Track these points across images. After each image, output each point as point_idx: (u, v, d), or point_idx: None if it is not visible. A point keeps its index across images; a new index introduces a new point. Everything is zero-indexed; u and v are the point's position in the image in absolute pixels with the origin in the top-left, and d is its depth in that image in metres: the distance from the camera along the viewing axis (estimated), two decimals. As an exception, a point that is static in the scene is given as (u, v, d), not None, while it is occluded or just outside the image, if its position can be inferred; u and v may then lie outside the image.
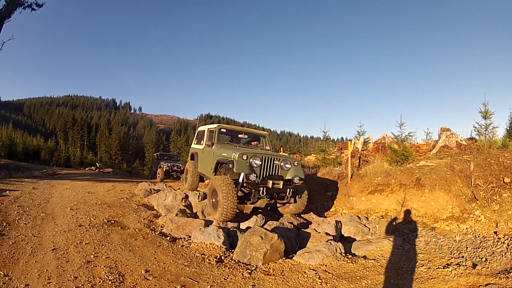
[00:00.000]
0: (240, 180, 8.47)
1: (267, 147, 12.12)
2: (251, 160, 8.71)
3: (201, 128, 13.24)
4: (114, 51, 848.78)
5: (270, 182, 8.76)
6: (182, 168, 25.32)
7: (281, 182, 8.91)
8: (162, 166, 24.41)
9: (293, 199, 9.33)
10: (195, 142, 13.38)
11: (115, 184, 16.95)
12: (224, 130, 11.70)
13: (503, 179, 8.60)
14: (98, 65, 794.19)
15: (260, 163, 8.83)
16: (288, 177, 9.07)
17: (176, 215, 8.86)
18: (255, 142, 12.08)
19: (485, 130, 12.92)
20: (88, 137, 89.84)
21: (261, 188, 8.62)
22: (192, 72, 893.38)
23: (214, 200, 8.78)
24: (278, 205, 9.91)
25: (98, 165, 40.57)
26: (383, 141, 16.54)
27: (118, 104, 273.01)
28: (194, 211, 10.21)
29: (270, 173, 8.98)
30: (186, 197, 11.16)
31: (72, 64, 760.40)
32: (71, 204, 10.04)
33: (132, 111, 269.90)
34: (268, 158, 8.99)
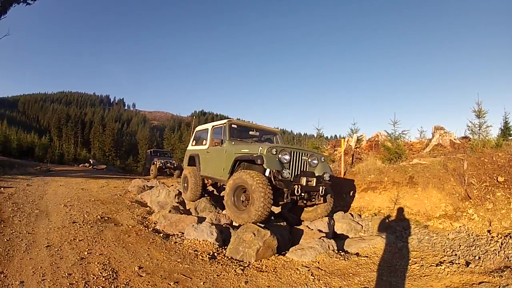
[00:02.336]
0: (270, 176, 7.53)
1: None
2: (280, 155, 7.83)
3: (200, 128, 12.17)
4: (108, 47, 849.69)
5: (304, 179, 7.96)
6: (175, 165, 25.64)
7: (314, 179, 8.18)
8: (155, 162, 24.44)
9: (322, 199, 8.47)
10: (193, 144, 12.06)
11: (108, 180, 16.94)
12: (235, 126, 10.07)
13: (497, 178, 8.62)
14: (92, 61, 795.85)
15: (289, 158, 7.98)
16: (316, 173, 8.43)
17: (169, 211, 8.90)
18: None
19: (479, 129, 12.97)
20: (82, 133, 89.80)
21: (296, 186, 7.73)
22: (186, 69, 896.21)
23: (243, 199, 7.78)
24: (303, 207, 8.98)
25: (91, 162, 40.60)
26: (376, 139, 16.54)
27: (112, 100, 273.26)
28: (187, 207, 10.27)
29: (300, 170, 8.27)
30: (179, 193, 11.21)
31: (66, 61, 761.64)
32: (65, 201, 10.04)
33: (126, 108, 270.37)
34: (297, 153, 8.25)
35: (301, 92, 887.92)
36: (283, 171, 7.53)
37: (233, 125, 9.98)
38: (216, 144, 9.81)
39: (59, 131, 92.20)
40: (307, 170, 8.35)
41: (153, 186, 13.08)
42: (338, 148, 16.65)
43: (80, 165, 39.37)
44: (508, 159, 9.21)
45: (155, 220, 8.78)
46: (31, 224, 7.42)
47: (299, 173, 8.15)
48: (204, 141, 11.01)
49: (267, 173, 7.54)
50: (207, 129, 10.97)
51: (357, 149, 16.22)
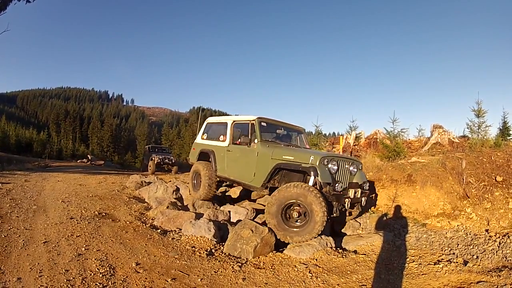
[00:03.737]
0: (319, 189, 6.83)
1: (307, 146, 10.27)
2: (329, 165, 7.17)
3: (213, 120, 11.22)
4: (107, 43, 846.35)
5: (352, 191, 7.31)
6: (173, 161, 25.76)
7: (360, 191, 7.58)
8: (153, 158, 24.44)
9: (360, 209, 8.05)
10: (204, 137, 11.00)
11: (106, 176, 16.90)
12: (265, 124, 8.97)
13: (495, 177, 8.62)
14: (91, 57, 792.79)
15: (337, 168, 7.33)
16: (355, 181, 7.86)
17: (167, 207, 8.87)
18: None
19: (478, 129, 12.98)
20: (80, 129, 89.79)
21: (346, 200, 7.10)
22: (185, 65, 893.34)
23: (296, 216, 6.84)
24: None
25: (90, 158, 40.60)
26: (375, 136, 16.58)
27: (110, 96, 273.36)
28: (185, 203, 10.22)
29: (345, 180, 7.65)
30: (177, 189, 11.13)
31: (65, 56, 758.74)
32: (62, 197, 10.01)
33: (125, 103, 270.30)
34: (343, 162, 7.61)
35: (300, 89, 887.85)
36: (337, 184, 7.01)
37: (263, 123, 8.89)
38: (240, 142, 8.87)
39: (57, 127, 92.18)
40: (348, 179, 7.75)
41: (151, 182, 13.05)
42: (337, 145, 16.68)
43: (78, 161, 39.30)
44: (506, 159, 9.21)
45: (153, 216, 8.76)
46: (29, 220, 7.39)
47: (345, 184, 7.58)
48: (222, 136, 9.89)
49: (311, 182, 6.95)
50: (226, 123, 9.87)
51: (356, 146, 16.25)
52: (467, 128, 13.53)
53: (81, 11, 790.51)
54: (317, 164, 6.87)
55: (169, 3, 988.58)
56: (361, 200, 7.67)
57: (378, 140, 15.76)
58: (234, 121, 9.66)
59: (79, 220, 7.58)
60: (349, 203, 7.12)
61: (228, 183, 11.12)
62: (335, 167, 7.23)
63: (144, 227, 7.68)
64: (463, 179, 8.75)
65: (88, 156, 43.86)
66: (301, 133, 10.30)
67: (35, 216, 7.72)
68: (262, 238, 6.34)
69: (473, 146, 11.65)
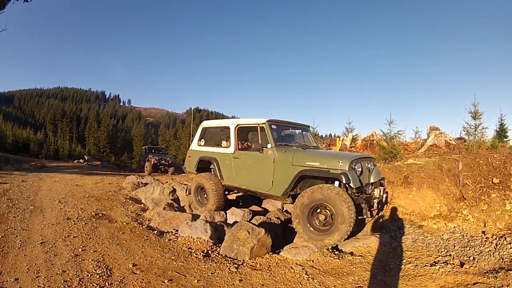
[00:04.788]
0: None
1: (314, 143, 9.60)
2: (355, 167, 6.90)
3: (211, 124, 10.36)
4: (104, 43, 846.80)
5: (378, 190, 7.26)
6: (170, 162, 25.91)
7: (382, 189, 7.49)
8: (150, 159, 24.43)
9: (380, 208, 7.86)
10: (202, 143, 10.13)
11: (103, 177, 16.90)
12: (275, 127, 8.32)
13: (492, 179, 8.64)
14: (88, 57, 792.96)
15: (361, 169, 7.11)
16: (372, 180, 7.59)
17: (164, 208, 8.85)
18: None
19: (475, 131, 13.07)
20: (77, 129, 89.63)
21: (374, 201, 7.09)
22: (182, 66, 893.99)
23: (322, 219, 6.71)
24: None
25: (86, 158, 40.56)
26: (371, 138, 16.64)
27: (107, 96, 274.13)
28: (182, 205, 10.22)
29: (367, 179, 7.47)
30: (174, 191, 11.14)
31: (62, 56, 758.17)
32: (59, 197, 10.05)
33: (121, 104, 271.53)
34: (363, 161, 7.37)
35: (296, 90, 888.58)
36: (367, 187, 7.06)
37: (273, 126, 8.24)
38: (248, 148, 8.75)
39: (54, 127, 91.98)
40: (368, 177, 7.52)
41: (148, 183, 13.04)
42: (333, 147, 16.69)
43: (75, 161, 39.19)
44: (503, 160, 9.24)
45: (149, 217, 8.81)
46: (26, 220, 7.44)
47: (367, 183, 7.41)
48: (224, 142, 9.31)
49: (337, 184, 6.78)
50: (228, 127, 9.14)
51: (352, 148, 16.30)
52: (464, 130, 13.66)
53: (78, 11, 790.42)
54: (347, 169, 6.56)
55: (166, 4, 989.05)
56: (383, 197, 7.54)
57: (374, 142, 15.82)
58: (237, 124, 8.88)
59: (76, 221, 7.62)
60: (376, 203, 7.11)
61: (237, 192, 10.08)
62: (360, 169, 7.04)
63: (141, 228, 7.70)
64: (459, 181, 8.76)
65: (85, 156, 43.79)
66: (307, 130, 9.68)
67: (32, 217, 7.76)
68: (258, 240, 6.31)
69: (470, 148, 11.70)
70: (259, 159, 8.08)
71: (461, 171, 9.02)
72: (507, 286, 4.74)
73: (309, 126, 9.84)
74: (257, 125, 8.24)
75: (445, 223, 7.78)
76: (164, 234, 7.50)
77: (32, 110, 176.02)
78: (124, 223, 7.92)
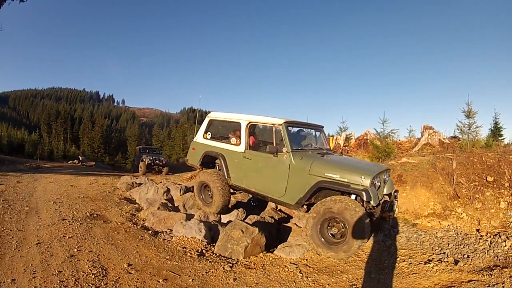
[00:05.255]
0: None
1: (328, 145, 9.15)
2: (375, 182, 6.48)
3: (220, 117, 9.50)
4: (98, 43, 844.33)
5: (392, 206, 6.74)
6: (164, 162, 25.87)
7: (396, 203, 7.10)
8: (144, 159, 24.47)
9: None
10: (208, 137, 9.43)
11: (97, 177, 16.82)
12: (291, 129, 7.83)
13: (486, 178, 8.66)
14: (82, 57, 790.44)
15: (379, 184, 6.74)
16: (385, 192, 7.23)
17: (158, 208, 8.84)
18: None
19: (468, 129, 13.12)
20: (72, 130, 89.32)
21: (390, 216, 6.81)
22: (176, 66, 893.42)
23: (335, 232, 6.32)
24: None
25: (81, 159, 40.39)
26: (365, 137, 16.67)
27: (101, 96, 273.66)
28: (176, 204, 10.16)
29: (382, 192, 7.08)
30: (168, 190, 11.10)
31: (57, 56, 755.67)
32: (54, 198, 9.99)
33: (115, 104, 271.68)
34: (382, 174, 7.01)
35: (289, 89, 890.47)
36: (387, 204, 6.52)
37: (289, 127, 7.65)
38: (260, 148, 8.15)
39: (48, 127, 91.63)
40: (383, 190, 7.12)
41: (142, 183, 12.93)
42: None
43: (70, 162, 38.99)
44: (497, 159, 9.26)
45: (144, 217, 8.76)
46: (22, 221, 7.43)
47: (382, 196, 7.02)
48: (234, 139, 8.67)
49: (353, 196, 6.34)
50: (238, 123, 8.49)
51: (346, 147, 16.33)
52: (458, 129, 13.69)
53: (72, 11, 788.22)
54: (368, 185, 6.09)
55: (160, 3, 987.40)
56: (395, 211, 7.08)
57: (368, 141, 15.86)
58: (250, 122, 8.23)
59: (71, 221, 7.60)
60: (388, 216, 6.71)
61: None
62: (378, 183, 6.64)
63: (136, 228, 7.69)
64: (453, 180, 8.78)
65: (79, 157, 43.68)
66: (321, 131, 9.04)
67: (28, 218, 7.75)
68: (252, 239, 6.35)
69: (464, 147, 11.73)
70: (273, 162, 7.47)
71: (455, 170, 9.04)
72: (502, 283, 4.77)
73: (323, 127, 9.16)
74: (272, 125, 7.68)
75: (439, 221, 7.80)
76: (159, 234, 7.50)
77: (26, 110, 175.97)
78: (119, 223, 7.90)
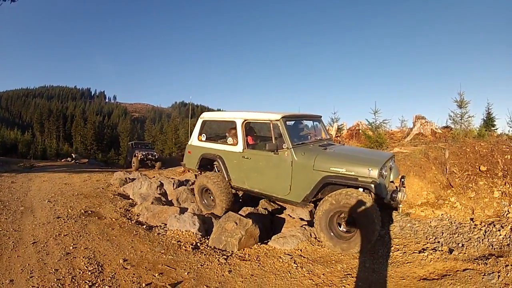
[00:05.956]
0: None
1: (327, 135, 8.83)
2: (383, 172, 6.26)
3: (213, 117, 9.36)
4: (88, 39, 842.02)
5: (401, 194, 6.57)
6: (157, 156, 25.94)
7: (404, 190, 6.93)
8: (136, 155, 24.54)
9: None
10: (203, 139, 9.07)
11: (91, 174, 16.78)
12: (290, 123, 7.49)
13: (479, 167, 8.69)
14: (73, 54, 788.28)
15: (386, 173, 6.51)
16: (392, 178, 7.14)
17: (152, 203, 8.87)
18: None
19: (461, 119, 13.15)
20: (64, 128, 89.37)
21: (400, 206, 6.71)
22: (166, 60, 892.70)
23: (344, 225, 6.14)
24: None
25: (74, 156, 40.41)
26: (357, 127, 16.64)
27: (93, 93, 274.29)
28: (169, 198, 10.18)
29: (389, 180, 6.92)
30: (161, 185, 11.08)
31: (47, 54, 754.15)
32: (48, 196, 10.02)
33: (107, 100, 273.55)
34: (388, 162, 6.74)
35: (281, 81, 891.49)
36: (396, 194, 6.36)
37: (288, 122, 7.32)
38: (259, 146, 7.81)
39: (41, 126, 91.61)
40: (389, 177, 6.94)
41: (135, 178, 13.01)
42: (318, 136, 16.74)
43: (63, 160, 38.92)
44: (490, 149, 9.30)
45: (138, 212, 8.77)
46: (17, 221, 7.46)
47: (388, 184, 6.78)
48: (231, 138, 8.32)
49: (362, 189, 6.07)
50: (233, 122, 8.16)
51: (338, 138, 16.29)
52: (450, 119, 13.72)
53: (61, 10, 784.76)
54: (376, 176, 5.88)
55: None
56: (404, 197, 6.81)
57: (360, 131, 15.84)
58: (245, 120, 7.87)
59: (66, 219, 7.63)
60: (400, 206, 6.66)
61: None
62: (386, 173, 6.45)
63: (130, 223, 7.71)
64: (446, 169, 8.81)
65: (72, 154, 43.63)
66: (319, 121, 8.73)
67: (23, 217, 7.78)
68: (246, 230, 6.36)
69: (456, 137, 11.78)
70: (274, 160, 7.15)
71: (448, 159, 9.07)
72: (498, 272, 4.78)
73: (321, 116, 8.82)
74: (269, 121, 7.30)
75: (432, 211, 7.82)
76: (153, 228, 7.51)
77: (19, 110, 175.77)
78: (113, 219, 7.91)
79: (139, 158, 24.24)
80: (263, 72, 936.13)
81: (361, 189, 6.02)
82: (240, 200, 9.07)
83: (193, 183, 11.04)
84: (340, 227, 6.20)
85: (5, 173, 16.03)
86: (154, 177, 13.52)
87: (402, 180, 7.27)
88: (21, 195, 10.25)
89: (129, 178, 13.58)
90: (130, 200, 10.39)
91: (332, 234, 6.08)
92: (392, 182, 7.26)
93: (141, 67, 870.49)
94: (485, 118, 14.70)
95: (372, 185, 5.78)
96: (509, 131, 12.97)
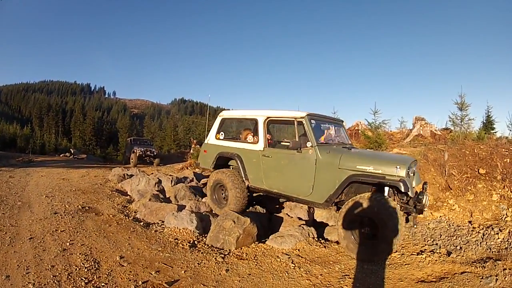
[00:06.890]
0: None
1: (349, 141, 8.62)
2: (410, 173, 6.04)
3: (233, 115, 9.24)
4: (88, 35, 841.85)
5: (426, 198, 6.18)
6: (155, 153, 25.92)
7: (426, 197, 6.31)
8: (135, 151, 24.46)
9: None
10: (221, 137, 8.86)
11: (89, 170, 16.78)
12: (314, 122, 7.21)
13: (478, 170, 8.68)
14: (73, 49, 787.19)
15: (413, 175, 6.32)
16: (414, 184, 6.42)
17: (149, 200, 8.82)
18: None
19: (461, 121, 13.17)
20: (63, 123, 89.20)
21: (425, 210, 6.29)
22: (166, 57, 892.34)
23: (367, 230, 5.81)
24: None
25: (72, 152, 40.25)
26: (356, 128, 16.64)
27: (92, 89, 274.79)
28: (167, 195, 10.15)
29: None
30: (159, 182, 11.08)
31: (47, 49, 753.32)
32: (46, 192, 10.00)
33: (106, 96, 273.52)
34: (413, 165, 6.43)
35: (280, 80, 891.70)
36: (422, 196, 6.06)
37: (313, 121, 7.11)
38: (292, 146, 6.94)
39: (40, 121, 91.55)
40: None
41: (133, 175, 12.99)
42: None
43: (61, 155, 38.85)
44: (490, 151, 9.29)
45: (136, 208, 8.76)
46: (14, 216, 7.42)
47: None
48: (250, 136, 8.21)
49: (386, 193, 5.94)
50: (255, 120, 8.05)
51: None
52: (450, 120, 13.73)
53: (61, 5, 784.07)
54: (404, 175, 5.67)
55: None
56: (427, 204, 6.35)
57: (359, 131, 15.83)
58: (268, 117, 7.72)
59: (63, 215, 7.59)
60: (424, 210, 6.26)
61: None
62: (412, 174, 6.25)
63: (127, 220, 7.67)
64: (445, 171, 8.81)
65: (71, 150, 43.49)
66: (341, 126, 8.56)
67: (20, 212, 7.73)
68: (244, 229, 6.33)
69: (456, 139, 11.77)
70: (297, 159, 6.95)
71: (447, 161, 9.06)
72: (496, 276, 4.78)
73: (343, 121, 8.92)
74: (293, 119, 7.13)
75: (431, 213, 7.82)
76: (151, 225, 7.48)
77: (18, 105, 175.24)
78: (111, 216, 7.89)
79: (137, 155, 24.21)
80: (262, 71, 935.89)
81: (386, 191, 5.91)
82: (254, 202, 8.69)
83: (205, 183, 10.79)
84: (363, 232, 5.89)
85: (3, 168, 16.01)
86: (152, 173, 13.43)
87: (425, 186, 6.69)
88: (19, 190, 10.22)
89: (127, 174, 13.56)
90: (128, 197, 10.39)
91: (353, 238, 5.85)
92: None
93: (141, 63, 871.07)
94: (484, 121, 14.72)
95: (401, 183, 5.55)
96: (509, 134, 12.97)
